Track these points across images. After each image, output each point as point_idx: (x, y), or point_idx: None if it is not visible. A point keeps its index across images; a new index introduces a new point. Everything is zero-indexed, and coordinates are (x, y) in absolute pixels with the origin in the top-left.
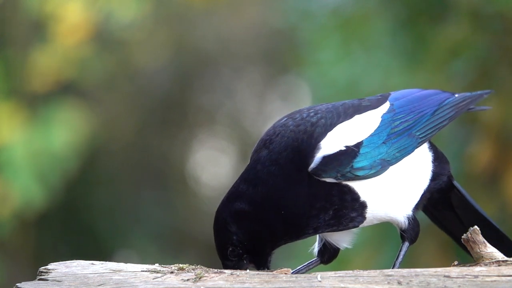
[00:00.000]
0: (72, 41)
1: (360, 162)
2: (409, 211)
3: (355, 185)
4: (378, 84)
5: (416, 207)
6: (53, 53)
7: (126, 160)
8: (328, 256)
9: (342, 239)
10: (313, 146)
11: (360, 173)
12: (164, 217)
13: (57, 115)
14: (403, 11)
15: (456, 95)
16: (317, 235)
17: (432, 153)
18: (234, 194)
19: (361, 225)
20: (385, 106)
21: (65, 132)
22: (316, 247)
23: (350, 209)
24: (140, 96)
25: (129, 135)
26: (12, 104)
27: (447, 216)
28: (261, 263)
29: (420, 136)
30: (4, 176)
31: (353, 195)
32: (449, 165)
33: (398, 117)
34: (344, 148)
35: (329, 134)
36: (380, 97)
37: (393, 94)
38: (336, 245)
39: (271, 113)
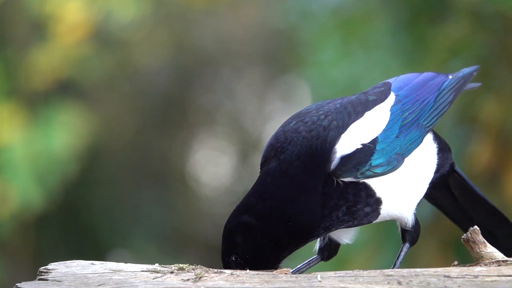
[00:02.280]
0: (71, 41)
1: (377, 159)
2: (414, 206)
3: (371, 181)
4: None
5: (420, 202)
6: (53, 52)
7: (126, 160)
8: (329, 253)
9: (344, 235)
10: (329, 150)
11: (378, 170)
12: (164, 217)
13: (57, 116)
14: (403, 11)
15: (450, 77)
16: None
17: (437, 144)
18: (244, 206)
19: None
20: (391, 98)
21: (65, 133)
22: (317, 244)
23: (364, 204)
24: (140, 96)
25: (129, 135)
26: (12, 105)
27: (441, 195)
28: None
29: (427, 125)
30: (3, 177)
31: (369, 192)
32: (452, 153)
33: (406, 108)
34: (361, 146)
35: (343, 136)
36: (382, 88)
37: (394, 83)
38: (338, 241)
39: (271, 113)
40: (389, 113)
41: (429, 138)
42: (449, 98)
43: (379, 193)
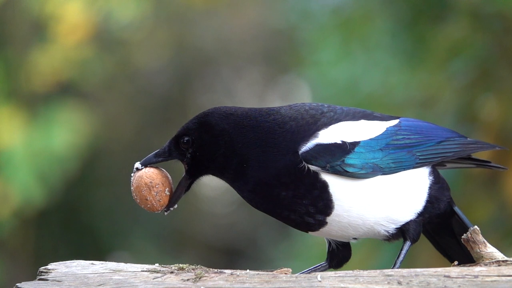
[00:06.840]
0: (72, 41)
1: (352, 159)
2: (392, 225)
3: (335, 183)
4: (378, 84)
5: (409, 224)
6: (53, 53)
7: (126, 160)
8: (337, 261)
9: (351, 233)
10: (312, 132)
11: (350, 169)
12: (163, 217)
13: (57, 116)
14: (403, 11)
15: (469, 139)
16: (325, 239)
17: (433, 177)
18: (243, 114)
19: (336, 236)
20: (393, 122)
21: (66, 133)
22: (326, 249)
23: (310, 201)
24: (140, 96)
25: (129, 135)
26: (12, 105)
27: (448, 242)
28: (191, 172)
29: (420, 157)
30: (4, 176)
31: (323, 194)
32: (450, 192)
33: (402, 133)
34: (340, 142)
35: (331, 127)
36: (392, 116)
37: (406, 118)
38: (347, 238)
39: None
40: (384, 129)
41: (424, 170)
42: (456, 149)
43: (336, 198)
